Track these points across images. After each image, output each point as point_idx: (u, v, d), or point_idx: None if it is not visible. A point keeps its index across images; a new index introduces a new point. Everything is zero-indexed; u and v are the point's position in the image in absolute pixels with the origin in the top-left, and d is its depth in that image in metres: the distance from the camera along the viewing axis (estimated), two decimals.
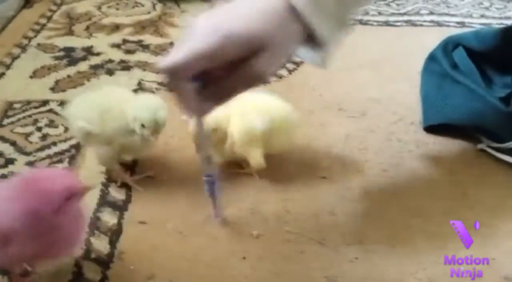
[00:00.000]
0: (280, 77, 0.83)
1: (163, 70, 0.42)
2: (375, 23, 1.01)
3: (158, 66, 0.42)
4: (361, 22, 1.00)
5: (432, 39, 0.84)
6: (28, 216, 0.41)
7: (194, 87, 0.43)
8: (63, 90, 0.79)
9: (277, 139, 0.61)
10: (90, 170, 0.64)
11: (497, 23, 1.03)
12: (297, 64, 0.87)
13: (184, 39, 0.42)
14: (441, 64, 0.76)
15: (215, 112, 0.47)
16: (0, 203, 0.42)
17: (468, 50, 0.74)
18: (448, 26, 1.01)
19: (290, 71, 0.85)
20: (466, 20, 1.04)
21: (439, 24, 1.02)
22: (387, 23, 1.01)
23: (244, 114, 0.60)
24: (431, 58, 0.78)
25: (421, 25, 1.01)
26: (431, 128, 0.71)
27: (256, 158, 0.60)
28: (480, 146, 0.67)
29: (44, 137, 0.69)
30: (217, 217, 0.56)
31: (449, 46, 0.77)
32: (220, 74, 0.43)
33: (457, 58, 0.74)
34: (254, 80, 0.43)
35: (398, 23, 1.01)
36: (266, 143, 0.60)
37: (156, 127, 0.56)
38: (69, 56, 0.89)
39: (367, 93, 0.79)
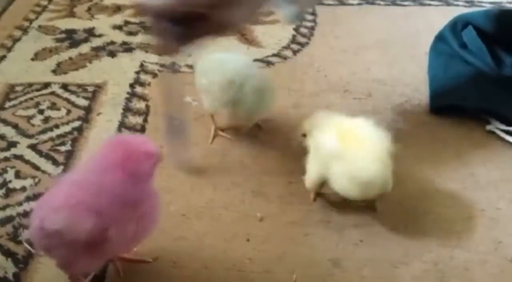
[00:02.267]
0: (285, 58, 0.82)
1: (151, 11, 0.46)
2: (382, 3, 0.99)
3: (144, 6, 0.46)
4: (368, 1, 0.98)
5: (440, 18, 0.83)
6: (127, 182, 0.41)
7: (167, 27, 0.46)
8: (65, 73, 0.79)
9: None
10: (92, 152, 0.63)
11: (507, 2, 1.00)
12: (302, 45, 0.85)
13: None
14: (449, 44, 0.74)
15: None
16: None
17: (478, 30, 0.73)
18: (457, 5, 0.98)
19: (295, 52, 0.83)
20: None
21: (447, 3, 0.99)
22: (394, 3, 0.99)
23: None
24: (439, 38, 0.77)
25: (429, 4, 0.99)
26: (438, 110, 0.69)
27: None
28: (488, 128, 0.65)
29: (46, 120, 0.69)
30: (177, 161, 0.55)
31: (458, 25, 0.75)
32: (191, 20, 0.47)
33: (467, 37, 0.72)
34: (221, 28, 0.48)
35: (406, 3, 0.99)
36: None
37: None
38: (71, 38, 0.87)
39: (373, 75, 0.78)
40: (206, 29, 0.48)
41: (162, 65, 0.78)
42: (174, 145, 0.55)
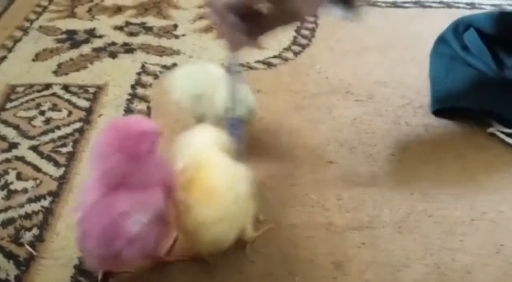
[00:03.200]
0: (286, 60, 0.82)
1: (219, 6, 0.46)
2: (383, 5, 0.99)
3: (212, 2, 0.46)
4: (369, 3, 0.98)
5: (441, 21, 0.83)
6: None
7: (235, 22, 0.46)
8: (66, 74, 0.78)
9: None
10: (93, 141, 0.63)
11: (508, 4, 1.00)
12: (303, 46, 0.85)
13: None
14: (451, 46, 0.74)
15: None
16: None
17: (479, 32, 0.73)
18: (458, 7, 0.98)
19: (296, 54, 0.83)
20: (476, 1, 1.02)
21: (448, 5, 0.99)
22: (395, 5, 0.99)
23: None
24: (441, 40, 0.77)
25: (430, 6, 0.99)
26: (440, 112, 0.69)
27: None
28: (490, 130, 0.66)
29: (47, 121, 0.69)
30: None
31: (459, 27, 0.75)
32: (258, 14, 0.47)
33: (468, 40, 0.72)
34: (290, 17, 0.48)
35: (407, 4, 0.99)
36: None
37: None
38: (72, 39, 0.87)
39: (375, 76, 0.78)
40: (273, 21, 0.48)
41: (163, 67, 0.78)
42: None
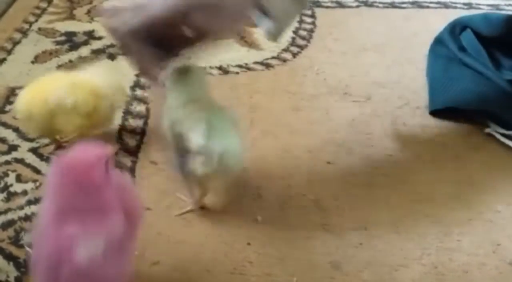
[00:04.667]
0: (284, 61, 0.82)
1: (121, 34, 0.45)
2: (380, 5, 0.99)
3: (114, 30, 0.45)
4: (366, 4, 0.98)
5: (439, 21, 0.83)
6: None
7: (141, 49, 0.46)
8: None
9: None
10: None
11: (505, 4, 1.01)
12: (301, 47, 0.85)
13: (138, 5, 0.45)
14: (448, 47, 0.74)
15: None
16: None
17: (476, 34, 0.73)
18: (455, 7, 0.99)
19: (294, 55, 0.84)
20: (474, 1, 1.02)
21: (445, 5, 0.99)
22: (392, 5, 0.99)
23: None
24: (438, 41, 0.77)
25: (428, 6, 0.99)
26: (437, 113, 0.70)
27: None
28: (487, 130, 0.66)
29: None
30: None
31: (456, 28, 0.76)
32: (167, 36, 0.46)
33: (465, 40, 0.72)
34: (199, 39, 0.46)
35: (404, 5, 0.99)
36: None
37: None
38: (71, 40, 0.88)
39: (372, 77, 0.78)
40: (184, 43, 0.47)
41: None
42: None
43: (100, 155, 0.41)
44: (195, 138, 0.47)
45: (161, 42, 0.46)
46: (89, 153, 0.41)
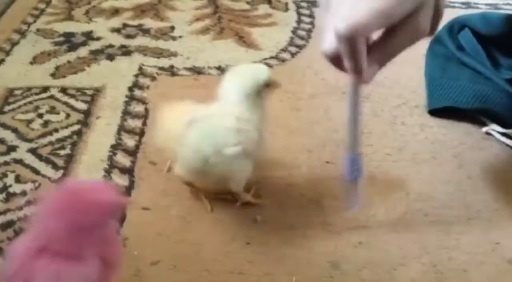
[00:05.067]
0: (283, 60, 0.82)
1: (346, 32, 0.40)
2: None
3: (339, 30, 0.40)
4: None
5: None
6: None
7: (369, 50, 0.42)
8: (64, 76, 0.79)
9: None
10: (92, 156, 0.63)
11: (503, 3, 1.01)
12: (300, 47, 0.86)
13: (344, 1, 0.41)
14: (446, 46, 0.75)
15: None
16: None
17: (474, 33, 0.73)
18: (453, 7, 0.99)
19: (293, 55, 0.84)
20: (472, 0, 1.02)
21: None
22: None
23: None
24: (436, 40, 0.77)
25: None
26: (435, 112, 0.70)
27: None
28: (485, 129, 0.66)
29: (45, 124, 0.69)
30: (352, 207, 0.51)
31: (454, 28, 0.76)
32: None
33: (463, 40, 0.72)
34: (419, 35, 0.43)
35: None
36: None
37: None
38: (69, 41, 0.88)
39: None
40: (405, 39, 0.44)
41: (160, 69, 0.77)
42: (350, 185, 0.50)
43: (114, 202, 0.39)
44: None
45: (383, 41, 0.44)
46: (96, 193, 0.38)
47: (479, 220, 0.55)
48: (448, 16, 0.81)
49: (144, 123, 0.69)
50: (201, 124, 0.51)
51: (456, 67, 0.72)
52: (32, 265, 0.37)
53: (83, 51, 0.85)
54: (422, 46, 0.79)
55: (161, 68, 0.81)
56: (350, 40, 0.41)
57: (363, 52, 0.42)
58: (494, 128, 0.65)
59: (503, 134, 0.65)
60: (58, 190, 0.39)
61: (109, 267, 0.40)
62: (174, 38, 0.89)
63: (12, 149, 0.65)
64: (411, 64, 0.80)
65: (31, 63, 0.82)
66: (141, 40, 0.88)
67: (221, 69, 0.80)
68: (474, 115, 0.68)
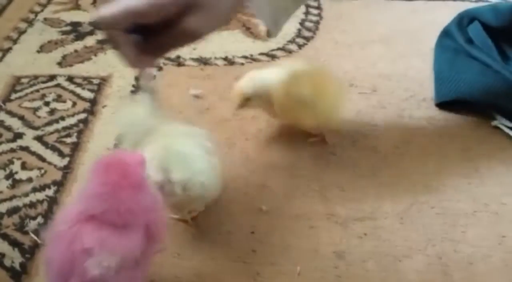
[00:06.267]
0: (290, 52, 0.82)
1: (99, 20, 0.43)
2: None
3: (95, 18, 0.43)
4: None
5: (446, 13, 0.82)
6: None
7: (132, 40, 0.44)
8: (70, 65, 0.79)
9: (323, 106, 0.59)
10: (98, 144, 0.63)
11: None
12: (307, 39, 0.85)
13: None
14: (455, 39, 0.74)
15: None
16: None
17: (484, 25, 0.72)
18: (463, 0, 0.98)
19: (300, 46, 0.83)
20: None
21: None
22: None
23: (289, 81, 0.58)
24: (445, 33, 0.76)
25: None
26: (443, 105, 0.69)
27: (307, 119, 0.59)
28: (494, 123, 0.65)
29: (52, 112, 0.69)
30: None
31: (464, 20, 0.75)
32: (159, 29, 0.44)
33: (473, 33, 0.72)
34: (188, 38, 0.45)
35: None
36: (312, 110, 0.58)
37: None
38: (76, 30, 0.88)
39: (379, 69, 0.77)
40: (172, 39, 0.45)
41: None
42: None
43: (138, 159, 0.40)
44: (153, 173, 0.44)
45: (150, 34, 0.45)
46: (128, 156, 0.41)
47: (485, 213, 0.55)
48: (457, 9, 0.80)
49: None
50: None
51: (464, 61, 0.71)
52: (80, 228, 0.39)
53: (90, 41, 0.85)
54: (431, 39, 0.79)
55: (168, 58, 0.80)
56: (107, 28, 0.43)
57: (123, 41, 0.44)
58: (503, 122, 0.65)
59: (511, 128, 0.64)
60: (99, 159, 0.41)
61: (153, 240, 0.41)
62: None
63: (19, 136, 0.65)
64: (419, 57, 0.79)
65: (38, 52, 0.82)
66: None
67: (228, 60, 0.79)
68: (482, 109, 0.67)
